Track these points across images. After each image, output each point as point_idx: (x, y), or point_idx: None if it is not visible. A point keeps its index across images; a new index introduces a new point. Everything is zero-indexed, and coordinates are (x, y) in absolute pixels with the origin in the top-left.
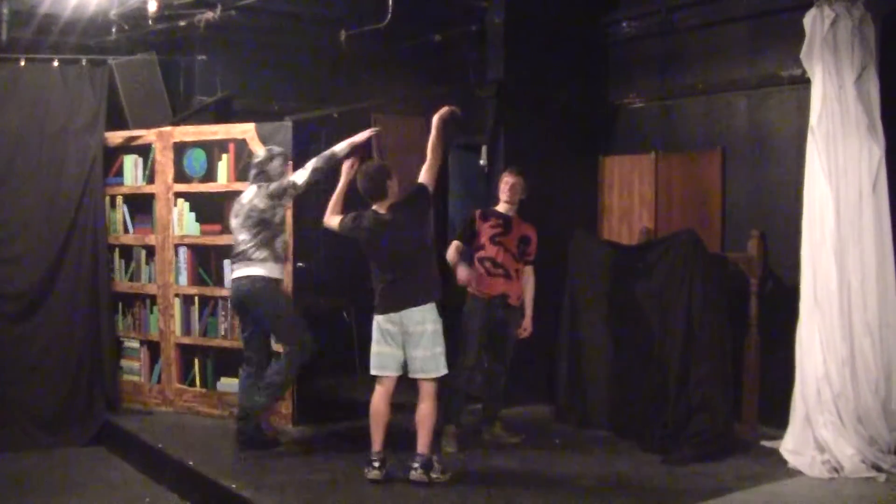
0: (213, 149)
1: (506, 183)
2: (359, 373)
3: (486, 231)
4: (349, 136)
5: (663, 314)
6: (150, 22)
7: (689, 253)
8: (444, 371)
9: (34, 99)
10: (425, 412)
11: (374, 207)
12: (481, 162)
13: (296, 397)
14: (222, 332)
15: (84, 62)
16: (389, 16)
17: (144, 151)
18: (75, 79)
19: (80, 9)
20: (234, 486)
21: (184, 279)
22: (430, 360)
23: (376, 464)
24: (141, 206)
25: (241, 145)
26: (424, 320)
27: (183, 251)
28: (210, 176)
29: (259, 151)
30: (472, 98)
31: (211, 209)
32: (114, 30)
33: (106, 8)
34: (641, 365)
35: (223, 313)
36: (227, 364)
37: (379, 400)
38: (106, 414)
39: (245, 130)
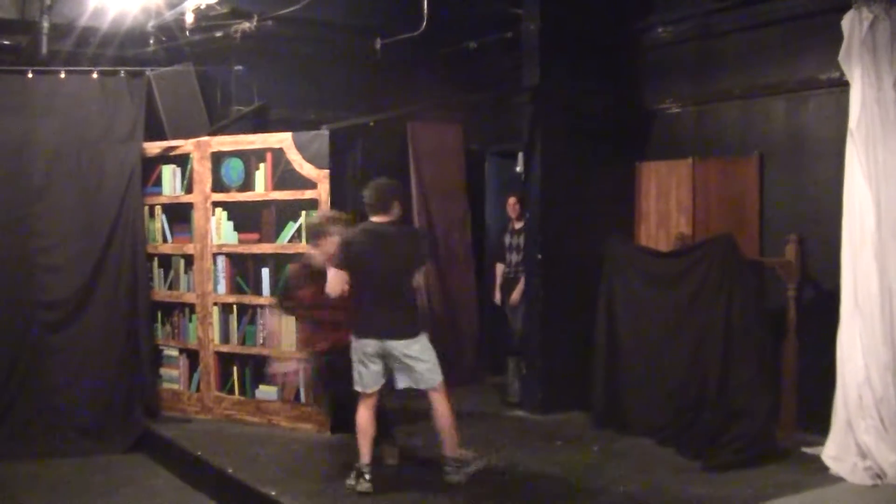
0: (250, 158)
1: None
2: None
3: None
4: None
5: (701, 320)
6: (187, 33)
7: (725, 258)
8: (441, 377)
9: (74, 110)
10: (444, 415)
11: (373, 219)
12: (518, 169)
13: (333, 405)
14: (260, 341)
15: (122, 73)
16: (425, 24)
17: (182, 161)
18: (114, 90)
19: (119, 21)
20: (272, 493)
21: (222, 288)
22: (430, 371)
23: (368, 476)
24: (179, 215)
25: (279, 154)
26: (409, 346)
27: (221, 260)
28: (247, 185)
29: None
30: (506, 105)
31: (248, 218)
32: (152, 41)
33: (144, 20)
34: (680, 371)
35: (261, 322)
36: (264, 372)
37: (365, 414)
38: (146, 421)
39: (282, 140)
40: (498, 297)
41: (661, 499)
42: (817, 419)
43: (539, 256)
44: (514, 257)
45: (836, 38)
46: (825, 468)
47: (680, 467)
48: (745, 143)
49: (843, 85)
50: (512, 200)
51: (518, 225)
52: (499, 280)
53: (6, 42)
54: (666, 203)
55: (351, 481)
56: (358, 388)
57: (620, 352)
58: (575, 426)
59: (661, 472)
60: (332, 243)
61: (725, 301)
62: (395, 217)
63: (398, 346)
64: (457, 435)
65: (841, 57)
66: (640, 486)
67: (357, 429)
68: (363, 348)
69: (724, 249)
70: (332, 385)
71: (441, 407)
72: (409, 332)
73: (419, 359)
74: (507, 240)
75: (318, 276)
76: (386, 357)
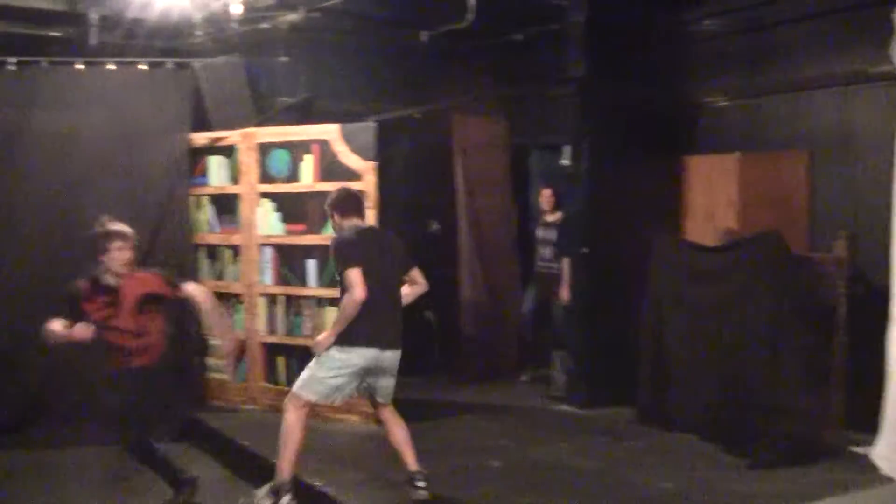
0: (296, 149)
1: None
2: (438, 372)
3: None
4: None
5: (748, 316)
6: (234, 24)
7: (772, 254)
8: None
9: (121, 101)
10: (402, 427)
11: (354, 221)
12: (564, 162)
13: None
14: (306, 332)
15: (170, 65)
16: (471, 16)
17: (229, 152)
18: (161, 81)
19: (167, 12)
20: (318, 483)
21: (268, 278)
22: (392, 387)
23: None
24: (226, 206)
25: (325, 146)
26: (397, 357)
27: (268, 251)
28: (294, 176)
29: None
30: (552, 97)
31: (295, 209)
32: (199, 33)
33: (191, 11)
34: (726, 367)
35: (307, 312)
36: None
37: (301, 430)
38: (192, 411)
39: (329, 131)
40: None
41: (706, 496)
42: (867, 418)
43: (585, 251)
44: (548, 251)
45: (887, 30)
46: (875, 468)
47: (725, 464)
48: (794, 138)
49: (893, 78)
50: (547, 193)
51: (551, 218)
52: None
53: (55, 34)
54: (713, 198)
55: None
56: (317, 400)
57: (666, 347)
58: (619, 421)
59: (705, 469)
60: (120, 255)
61: (772, 297)
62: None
63: (392, 358)
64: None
65: (892, 49)
66: (684, 482)
67: (286, 436)
68: (359, 360)
69: (772, 245)
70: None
71: (398, 420)
72: (400, 343)
73: (394, 372)
74: (540, 233)
75: (108, 291)
76: (370, 371)
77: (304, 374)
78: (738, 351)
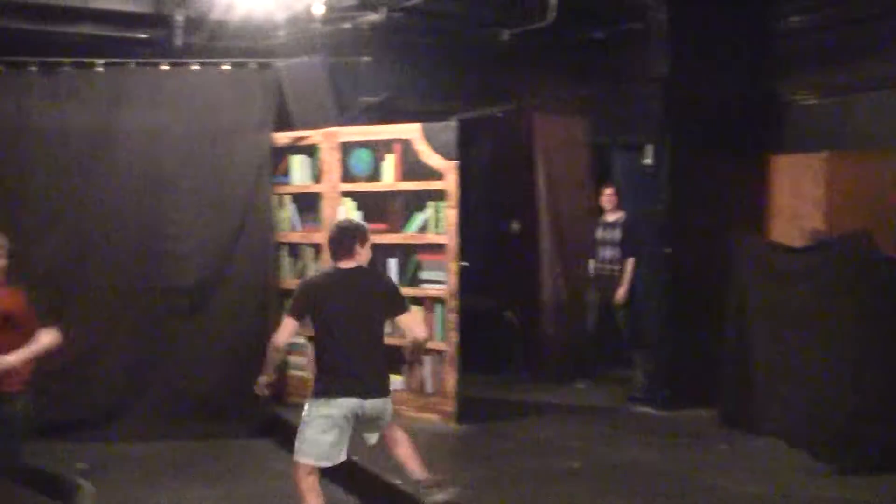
0: (378, 148)
1: None
2: (519, 372)
3: None
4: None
5: (834, 318)
6: (317, 25)
7: (861, 255)
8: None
9: (206, 102)
10: (406, 438)
11: (338, 265)
12: (646, 161)
13: (459, 396)
14: (388, 330)
15: (253, 65)
16: (552, 14)
17: (311, 151)
18: (245, 81)
19: (250, 13)
20: (398, 482)
21: None
22: (388, 420)
23: None
24: (308, 204)
25: (406, 145)
26: (387, 405)
27: None
28: (375, 175)
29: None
30: (633, 96)
31: (376, 208)
32: (281, 33)
33: (274, 12)
34: (812, 370)
35: None
36: (390, 361)
37: (316, 497)
38: (272, 407)
39: (410, 130)
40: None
41: (792, 501)
42: None
43: (668, 251)
44: (608, 252)
45: None
46: None
47: (811, 470)
48: (884, 136)
49: None
50: (609, 191)
51: (612, 217)
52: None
53: (142, 36)
54: (799, 198)
55: None
56: (325, 462)
57: (751, 349)
58: (701, 423)
59: (791, 474)
60: None
61: (859, 299)
62: (360, 261)
63: (377, 406)
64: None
65: None
66: (770, 487)
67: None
68: (339, 411)
69: (860, 246)
70: None
71: (400, 433)
72: (387, 390)
73: (387, 417)
74: (600, 233)
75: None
76: (359, 418)
77: (297, 439)
78: (824, 354)
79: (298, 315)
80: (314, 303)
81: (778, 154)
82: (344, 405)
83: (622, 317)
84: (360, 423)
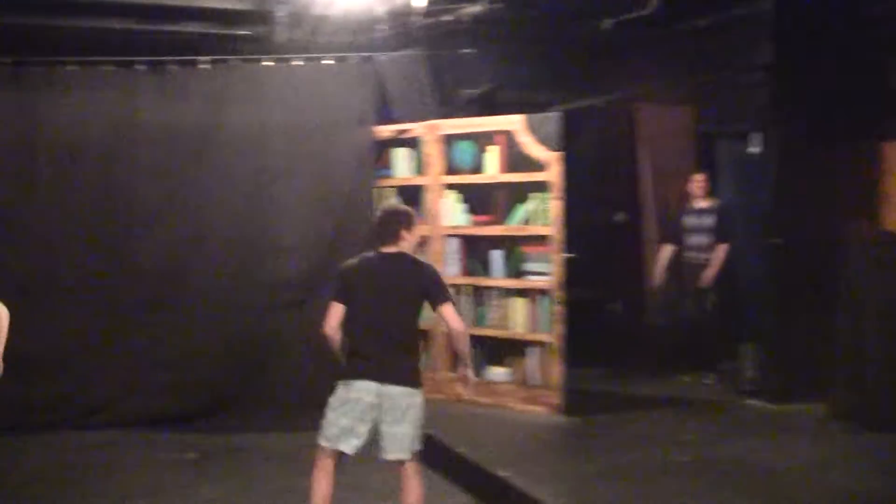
0: (480, 140)
1: None
2: (625, 364)
3: None
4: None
5: None
6: (417, 17)
7: None
8: (419, 447)
9: (307, 96)
10: (418, 495)
11: (381, 249)
12: (752, 149)
13: (565, 389)
14: (492, 322)
15: (354, 59)
16: (655, 3)
17: (413, 144)
18: (345, 76)
19: (350, 8)
20: (504, 474)
21: (454, 269)
22: (411, 438)
23: None
24: (411, 197)
25: (509, 137)
26: (412, 396)
27: (453, 241)
28: (478, 167)
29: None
30: (738, 84)
31: (480, 200)
32: (382, 27)
33: (375, 6)
34: None
35: (494, 303)
36: (496, 353)
37: (324, 478)
38: None
39: (513, 122)
40: (661, 279)
41: None
42: None
43: (777, 240)
44: (697, 239)
45: None
46: None
47: None
48: None
49: None
50: (700, 178)
51: (703, 204)
52: (663, 262)
53: (245, 32)
54: None
55: None
56: (325, 444)
57: (865, 341)
58: (812, 418)
59: None
60: None
61: None
62: (405, 248)
63: (399, 395)
64: None
65: None
66: (883, 484)
67: (310, 488)
68: (357, 394)
69: None
70: None
71: (415, 483)
72: (411, 380)
73: (412, 415)
74: (688, 220)
75: None
76: (378, 410)
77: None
78: None
79: (340, 299)
80: (348, 286)
81: (891, 141)
82: (362, 388)
83: (708, 301)
84: (380, 415)
